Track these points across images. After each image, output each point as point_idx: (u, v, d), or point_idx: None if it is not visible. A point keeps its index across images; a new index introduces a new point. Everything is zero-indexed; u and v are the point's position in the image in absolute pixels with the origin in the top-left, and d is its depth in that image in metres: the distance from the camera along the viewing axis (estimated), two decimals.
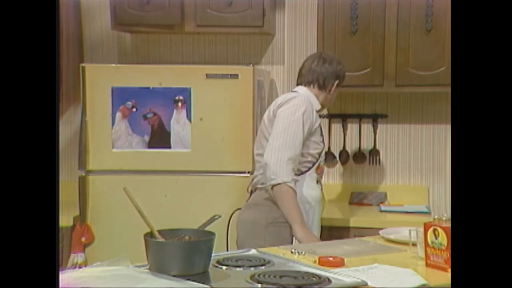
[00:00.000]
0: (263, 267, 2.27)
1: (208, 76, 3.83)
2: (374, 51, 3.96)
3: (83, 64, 3.95)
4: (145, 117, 3.86)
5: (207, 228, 2.36)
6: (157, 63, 4.36)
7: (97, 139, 3.89)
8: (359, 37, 3.97)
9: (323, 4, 3.99)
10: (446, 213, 2.31)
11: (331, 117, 4.36)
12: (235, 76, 3.82)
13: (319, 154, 3.29)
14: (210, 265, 2.22)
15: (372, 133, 4.35)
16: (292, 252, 2.52)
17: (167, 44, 4.46)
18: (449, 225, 2.27)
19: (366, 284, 2.10)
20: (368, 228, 3.57)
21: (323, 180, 3.46)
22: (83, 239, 3.91)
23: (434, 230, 2.33)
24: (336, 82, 3.43)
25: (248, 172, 3.72)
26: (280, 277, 2.11)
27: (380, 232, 2.88)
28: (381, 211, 4.05)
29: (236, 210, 3.40)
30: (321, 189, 3.40)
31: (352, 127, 4.37)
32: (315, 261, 2.36)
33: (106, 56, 4.47)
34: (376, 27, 3.95)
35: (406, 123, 4.34)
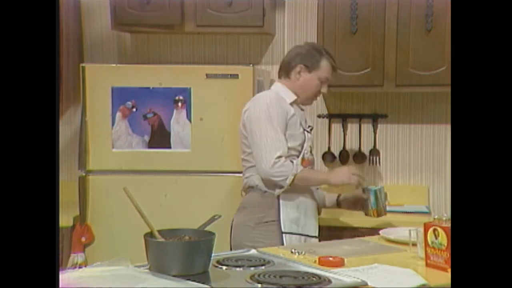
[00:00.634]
0: (263, 267, 2.28)
1: (208, 76, 3.83)
2: (374, 51, 3.96)
3: (83, 64, 3.95)
4: (145, 117, 3.86)
5: (207, 228, 2.36)
6: (157, 63, 4.36)
7: (97, 139, 3.89)
8: (359, 37, 3.97)
9: (323, 4, 3.99)
10: (446, 213, 2.32)
11: (331, 117, 4.36)
12: (235, 76, 3.82)
13: (301, 146, 3.22)
14: (210, 265, 2.22)
15: (372, 133, 4.35)
16: (292, 252, 2.52)
17: (167, 44, 4.46)
18: (449, 225, 2.27)
19: (366, 284, 2.10)
20: (368, 228, 3.57)
21: None
22: (83, 239, 3.91)
23: (434, 230, 2.33)
24: (301, 65, 3.28)
25: None
26: (280, 277, 2.12)
27: (380, 232, 2.88)
28: None
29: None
30: None
31: (352, 127, 4.37)
32: (315, 261, 2.36)
33: (106, 56, 4.47)
34: (376, 27, 3.95)
35: (406, 123, 4.33)
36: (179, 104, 3.84)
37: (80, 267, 2.68)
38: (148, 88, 3.86)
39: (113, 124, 3.87)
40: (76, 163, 3.97)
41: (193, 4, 4.02)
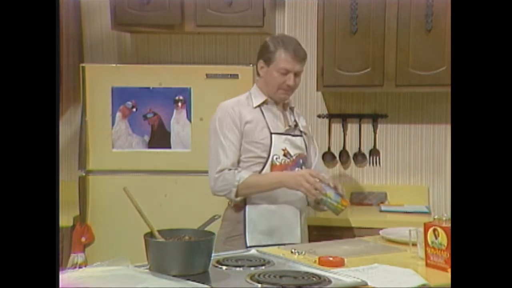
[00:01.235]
0: (263, 267, 2.28)
1: (208, 76, 3.84)
2: (374, 51, 3.96)
3: (83, 64, 3.96)
4: (145, 117, 3.86)
5: (207, 228, 2.36)
6: (157, 63, 4.36)
7: (97, 139, 3.89)
8: (359, 37, 3.97)
9: (323, 4, 3.99)
10: (446, 213, 2.31)
11: (331, 117, 4.36)
12: (235, 76, 3.82)
13: (268, 152, 3.02)
14: (210, 265, 2.22)
15: (372, 133, 4.35)
16: (292, 252, 2.52)
17: (167, 44, 4.46)
18: (449, 225, 2.27)
19: (366, 284, 2.10)
20: (368, 228, 3.57)
21: None
22: (83, 239, 3.91)
23: (434, 230, 2.33)
24: (260, 61, 3.11)
25: None
26: (280, 277, 2.11)
27: (380, 232, 2.88)
28: (381, 211, 4.05)
29: None
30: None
31: (352, 127, 4.37)
32: (315, 261, 2.36)
33: (106, 56, 4.47)
34: (376, 27, 3.95)
35: (406, 123, 4.33)
36: (179, 104, 3.84)
37: (80, 267, 2.68)
38: (148, 88, 3.86)
39: (113, 124, 3.87)
40: (76, 163, 3.97)
41: (193, 4, 4.02)
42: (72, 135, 4.42)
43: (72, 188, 4.01)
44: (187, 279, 2.08)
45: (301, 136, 3.16)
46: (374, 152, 4.34)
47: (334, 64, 3.99)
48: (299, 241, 3.04)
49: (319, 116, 4.35)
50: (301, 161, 3.11)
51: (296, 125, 3.16)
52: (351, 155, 4.36)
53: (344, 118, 4.36)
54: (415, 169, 4.34)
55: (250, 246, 2.88)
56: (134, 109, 3.86)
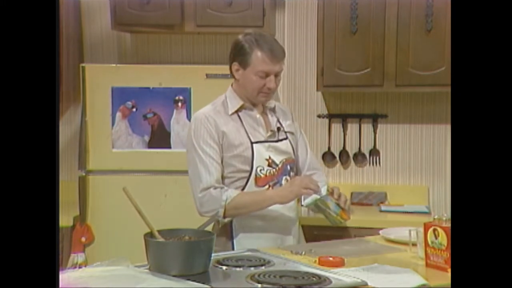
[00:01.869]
0: (263, 267, 2.27)
1: (208, 76, 3.84)
2: (374, 51, 3.96)
3: (83, 64, 3.96)
4: (145, 117, 3.86)
5: (207, 228, 2.36)
6: (157, 63, 4.36)
7: (97, 139, 3.89)
8: (359, 37, 3.97)
9: (323, 4, 3.99)
10: (446, 213, 2.31)
11: (331, 117, 4.36)
12: None
13: (250, 164, 2.78)
14: (210, 265, 2.22)
15: (372, 133, 4.35)
16: (292, 252, 2.52)
17: (167, 44, 4.46)
18: (449, 225, 2.27)
19: (366, 284, 2.10)
20: (368, 228, 3.56)
21: None
22: (83, 239, 3.91)
23: (434, 230, 2.33)
24: (235, 63, 2.83)
25: None
26: (280, 277, 2.11)
27: (380, 232, 2.87)
28: (381, 211, 4.05)
29: None
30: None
31: (352, 127, 4.37)
32: (315, 261, 2.36)
33: (106, 56, 4.47)
34: (376, 27, 3.95)
35: (406, 123, 4.33)
36: (179, 104, 3.84)
37: (80, 267, 2.68)
38: (148, 88, 3.86)
39: (113, 124, 3.87)
40: (76, 163, 3.97)
41: (193, 4, 4.02)
42: (72, 135, 4.42)
43: (72, 188, 4.01)
44: (187, 279, 2.08)
45: (286, 139, 2.91)
46: (374, 152, 4.34)
47: (334, 64, 3.99)
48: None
49: (319, 116, 4.35)
50: (288, 167, 2.88)
51: (279, 128, 2.91)
52: (351, 155, 4.36)
53: (344, 118, 4.36)
54: (415, 169, 4.34)
55: None
56: (134, 109, 3.86)
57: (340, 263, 2.33)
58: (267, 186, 2.80)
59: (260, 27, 4.03)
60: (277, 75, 2.80)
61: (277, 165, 2.84)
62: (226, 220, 2.77)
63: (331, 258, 2.35)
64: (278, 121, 2.94)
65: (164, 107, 3.85)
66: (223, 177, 2.80)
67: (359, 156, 4.35)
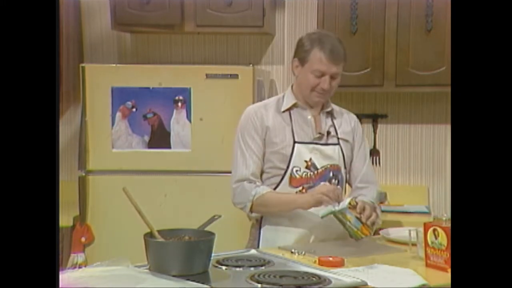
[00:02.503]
0: (263, 267, 2.27)
1: (208, 76, 3.83)
2: (374, 51, 3.96)
3: (83, 64, 3.95)
4: (145, 117, 3.86)
5: (207, 228, 2.36)
6: (157, 63, 4.36)
7: (97, 139, 3.89)
8: (359, 37, 3.97)
9: (323, 4, 3.99)
10: (446, 213, 2.31)
11: None
12: (235, 76, 3.82)
13: (287, 163, 2.77)
14: (210, 265, 2.22)
15: (372, 133, 4.35)
16: (292, 252, 2.52)
17: (167, 44, 4.46)
18: (449, 225, 2.27)
19: (366, 284, 2.10)
20: None
21: None
22: (83, 239, 3.91)
23: (434, 230, 2.33)
24: (295, 59, 2.83)
25: None
26: (280, 277, 2.11)
27: (381, 232, 2.88)
28: (381, 211, 4.03)
29: None
30: None
31: None
32: (315, 261, 2.36)
33: (106, 56, 4.47)
34: (376, 27, 3.95)
35: (406, 123, 4.33)
36: (179, 104, 3.84)
37: (80, 267, 2.68)
38: (148, 88, 3.86)
39: (113, 124, 3.87)
40: (76, 163, 3.97)
41: (193, 4, 4.02)
42: (72, 135, 4.42)
43: (72, 188, 4.00)
44: (187, 279, 2.08)
45: (336, 144, 2.85)
46: (374, 152, 4.34)
47: None
48: None
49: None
50: (331, 173, 2.82)
51: (329, 132, 2.85)
52: None
53: None
54: (415, 169, 4.34)
55: None
56: (134, 109, 3.86)
57: (340, 263, 2.33)
58: (300, 188, 2.78)
59: (260, 27, 4.04)
60: (334, 77, 2.78)
61: (317, 168, 2.80)
62: (254, 215, 2.80)
63: (331, 258, 2.35)
64: (334, 125, 2.89)
65: (164, 107, 3.85)
66: (263, 172, 2.82)
67: None
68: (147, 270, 2.17)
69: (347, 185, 2.98)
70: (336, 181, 2.84)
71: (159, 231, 2.24)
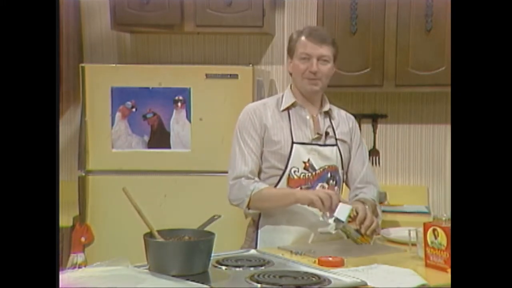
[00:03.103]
0: (262, 267, 2.27)
1: (207, 76, 3.83)
2: (373, 51, 3.96)
3: (82, 64, 3.95)
4: (144, 117, 3.86)
5: (207, 228, 2.36)
6: (157, 63, 4.36)
7: (96, 139, 3.89)
8: (358, 37, 3.97)
9: (322, 4, 3.99)
10: (446, 213, 2.32)
11: None
12: (234, 76, 3.82)
13: (285, 163, 2.76)
14: (210, 265, 2.22)
15: (372, 133, 4.35)
16: (292, 252, 2.52)
17: (167, 44, 4.46)
18: (449, 225, 2.27)
19: (365, 284, 2.10)
20: None
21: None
22: (82, 239, 3.91)
23: (434, 230, 2.33)
24: (287, 56, 2.87)
25: None
26: (280, 277, 2.11)
27: (380, 232, 2.87)
28: (381, 211, 4.05)
29: None
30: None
31: None
32: (314, 261, 2.36)
33: (106, 56, 4.47)
34: (376, 27, 3.95)
35: (406, 123, 4.33)
36: (179, 104, 3.84)
37: (80, 267, 2.68)
38: (148, 88, 3.86)
39: (112, 124, 3.87)
40: (76, 163, 3.97)
41: (192, 4, 4.02)
42: (72, 135, 4.42)
43: (72, 188, 4.00)
44: (186, 279, 2.08)
45: (334, 145, 2.84)
46: (373, 152, 4.34)
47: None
48: None
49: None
50: (329, 174, 2.81)
51: (327, 133, 2.84)
52: None
53: None
54: (414, 169, 4.34)
55: None
56: (134, 109, 3.86)
57: (339, 263, 2.33)
58: (298, 189, 2.75)
59: (259, 27, 4.04)
60: (321, 59, 2.77)
61: (315, 169, 2.78)
62: (250, 211, 2.79)
63: (330, 258, 2.35)
64: (332, 126, 2.88)
65: (163, 107, 3.85)
66: (261, 171, 2.81)
67: None
68: (146, 270, 2.17)
69: (344, 186, 2.97)
70: (334, 182, 2.83)
71: (159, 231, 2.24)
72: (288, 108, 2.83)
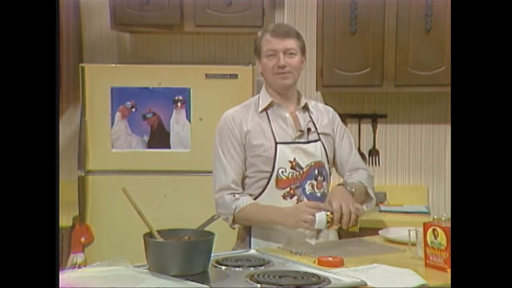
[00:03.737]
0: (262, 267, 2.27)
1: (207, 76, 3.84)
2: (373, 51, 3.96)
3: (82, 64, 3.96)
4: (144, 117, 3.86)
5: (206, 228, 2.36)
6: (157, 63, 4.36)
7: (96, 139, 3.89)
8: (358, 37, 3.97)
9: (322, 4, 3.99)
10: (446, 213, 2.32)
11: None
12: (234, 76, 3.82)
13: (272, 166, 2.72)
14: (210, 265, 2.22)
15: (372, 133, 4.35)
16: (291, 252, 2.52)
17: (167, 44, 4.46)
18: (449, 225, 2.27)
19: (365, 284, 2.10)
20: (368, 228, 3.56)
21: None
22: (82, 239, 3.91)
23: (434, 230, 2.33)
24: (256, 57, 2.87)
25: None
26: (280, 277, 2.11)
27: (380, 232, 2.87)
28: (381, 211, 4.05)
29: None
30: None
31: (352, 127, 4.37)
32: (314, 261, 2.36)
33: (105, 56, 4.47)
34: (376, 27, 3.95)
35: (406, 123, 4.34)
36: (179, 104, 3.84)
37: (79, 267, 2.68)
38: (148, 88, 3.86)
39: (112, 124, 3.87)
40: (76, 163, 3.97)
41: (192, 4, 4.02)
42: (72, 135, 4.42)
43: (72, 188, 4.01)
44: (186, 279, 2.08)
45: (317, 140, 2.81)
46: (373, 152, 4.34)
47: (334, 64, 3.99)
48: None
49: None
50: (316, 171, 2.78)
51: (309, 129, 2.81)
52: None
53: (343, 118, 4.33)
54: (414, 169, 4.34)
55: None
56: (134, 109, 3.86)
57: (339, 263, 2.32)
58: (288, 189, 2.74)
59: (259, 27, 4.03)
60: (287, 53, 2.76)
61: (301, 168, 2.75)
62: (236, 226, 2.78)
63: (330, 258, 2.35)
64: (312, 121, 2.85)
65: (163, 107, 3.85)
66: (245, 177, 2.79)
67: None
68: (146, 270, 2.17)
69: (332, 178, 2.94)
70: (322, 178, 2.80)
71: (158, 231, 2.24)
72: (266, 109, 2.80)
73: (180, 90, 3.84)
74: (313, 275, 2.14)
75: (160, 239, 2.21)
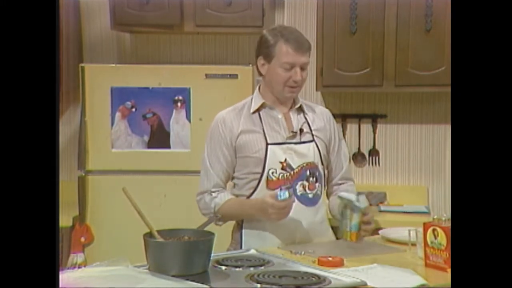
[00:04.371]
0: (262, 267, 2.27)
1: (207, 76, 3.84)
2: (373, 51, 3.96)
3: (82, 64, 3.96)
4: (144, 117, 3.86)
5: (206, 228, 2.36)
6: (157, 63, 4.36)
7: (96, 139, 3.89)
8: (358, 37, 3.97)
9: (322, 4, 3.99)
10: (446, 213, 2.32)
11: None
12: (234, 76, 3.82)
13: (262, 167, 2.70)
14: (210, 265, 2.22)
15: (372, 133, 4.35)
16: (291, 252, 2.52)
17: (167, 44, 4.46)
18: (449, 225, 2.27)
19: (365, 284, 2.10)
20: None
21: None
22: (82, 239, 3.91)
23: (434, 230, 2.33)
24: (260, 57, 2.80)
25: None
26: (280, 277, 2.11)
27: (380, 232, 2.87)
28: (381, 211, 4.05)
29: None
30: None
31: (352, 127, 4.37)
32: (314, 261, 2.36)
33: (105, 56, 4.47)
34: (376, 27, 3.95)
35: (406, 123, 4.33)
36: (179, 104, 3.84)
37: (79, 267, 2.68)
38: (148, 88, 3.86)
39: (112, 124, 3.87)
40: (76, 163, 3.97)
41: (192, 4, 4.02)
42: (72, 135, 4.42)
43: (72, 188, 4.01)
44: (186, 279, 2.08)
45: (311, 141, 2.78)
46: (373, 152, 4.34)
47: (334, 64, 3.99)
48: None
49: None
50: (307, 172, 2.74)
51: (302, 130, 2.78)
52: (350, 155, 4.36)
53: (343, 118, 4.35)
54: (414, 169, 4.34)
55: None
56: (134, 109, 3.86)
57: (339, 263, 2.33)
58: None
59: (259, 27, 4.04)
60: (303, 67, 2.72)
61: (292, 169, 2.73)
62: (221, 223, 2.77)
63: (330, 258, 2.35)
64: (307, 122, 2.83)
65: (163, 107, 3.85)
66: (235, 178, 2.80)
67: (358, 156, 4.35)
68: (146, 270, 2.17)
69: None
70: (314, 179, 2.77)
71: (158, 231, 2.24)
72: (258, 110, 2.78)
73: (180, 90, 3.84)
74: (313, 275, 2.14)
75: (160, 239, 2.21)
